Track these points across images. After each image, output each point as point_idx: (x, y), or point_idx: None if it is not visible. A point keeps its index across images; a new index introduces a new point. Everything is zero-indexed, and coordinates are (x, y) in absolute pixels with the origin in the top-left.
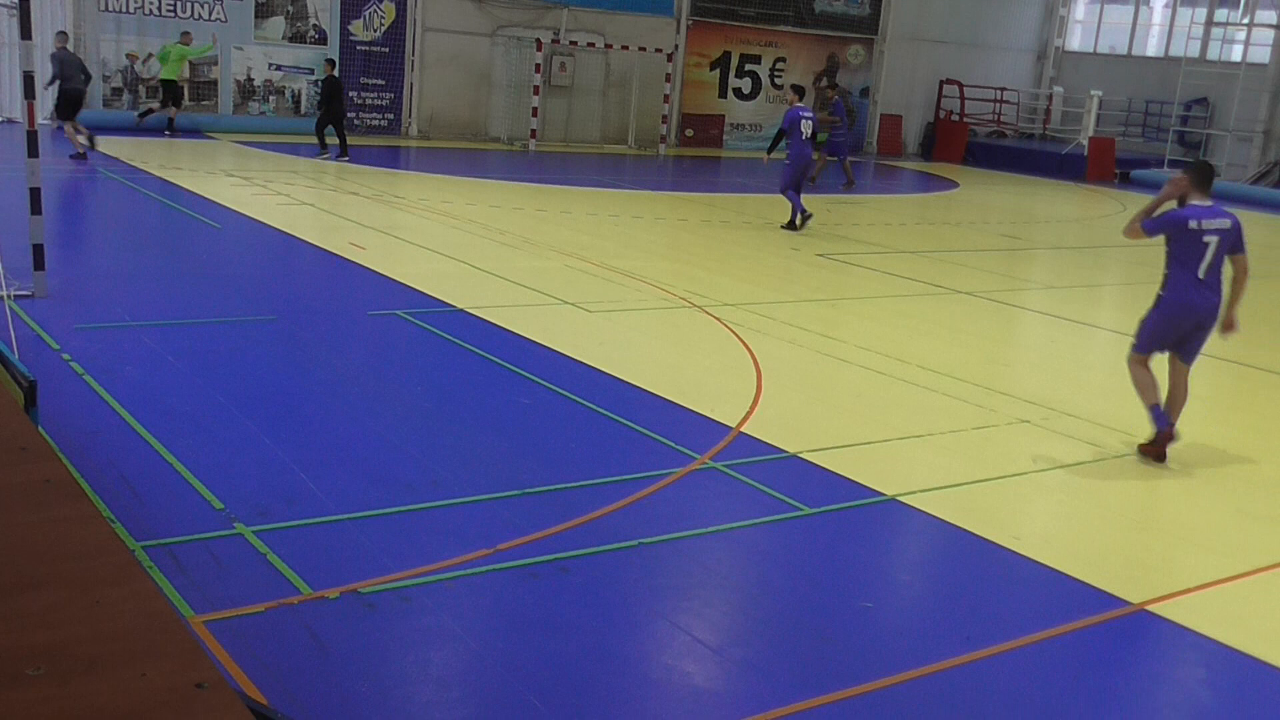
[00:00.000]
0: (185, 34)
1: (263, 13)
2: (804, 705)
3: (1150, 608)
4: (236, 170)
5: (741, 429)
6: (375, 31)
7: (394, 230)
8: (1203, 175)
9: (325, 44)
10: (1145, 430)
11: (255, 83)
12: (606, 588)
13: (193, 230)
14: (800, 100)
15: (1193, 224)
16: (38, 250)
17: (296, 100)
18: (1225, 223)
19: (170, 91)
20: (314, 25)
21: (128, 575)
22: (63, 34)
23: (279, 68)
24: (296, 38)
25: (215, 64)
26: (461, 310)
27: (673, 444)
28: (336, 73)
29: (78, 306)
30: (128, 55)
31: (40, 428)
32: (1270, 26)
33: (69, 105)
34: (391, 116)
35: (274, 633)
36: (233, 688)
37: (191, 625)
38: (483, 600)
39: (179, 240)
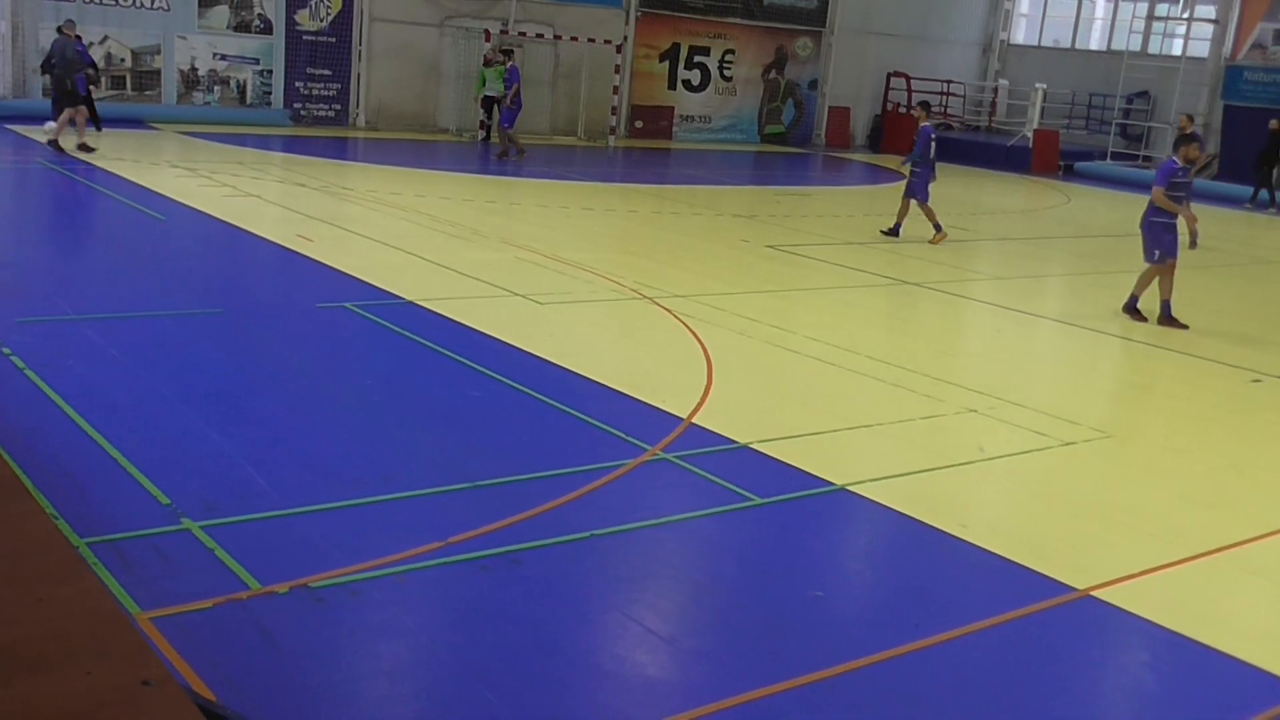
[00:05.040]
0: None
1: (206, 1)
2: (756, 694)
3: (1095, 593)
4: (181, 161)
5: (692, 420)
6: (322, 21)
7: (342, 222)
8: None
9: (270, 33)
10: (1089, 417)
11: (200, 73)
12: (558, 580)
13: (137, 222)
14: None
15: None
16: None
17: (242, 90)
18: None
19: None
20: (259, 14)
21: (72, 573)
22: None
23: (224, 57)
24: (241, 27)
25: (158, 53)
26: (411, 303)
27: (624, 435)
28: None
29: (18, 300)
30: None
31: None
32: (1209, 21)
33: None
34: (339, 107)
35: (222, 629)
36: (180, 685)
37: (138, 622)
38: (434, 594)
39: (122, 233)
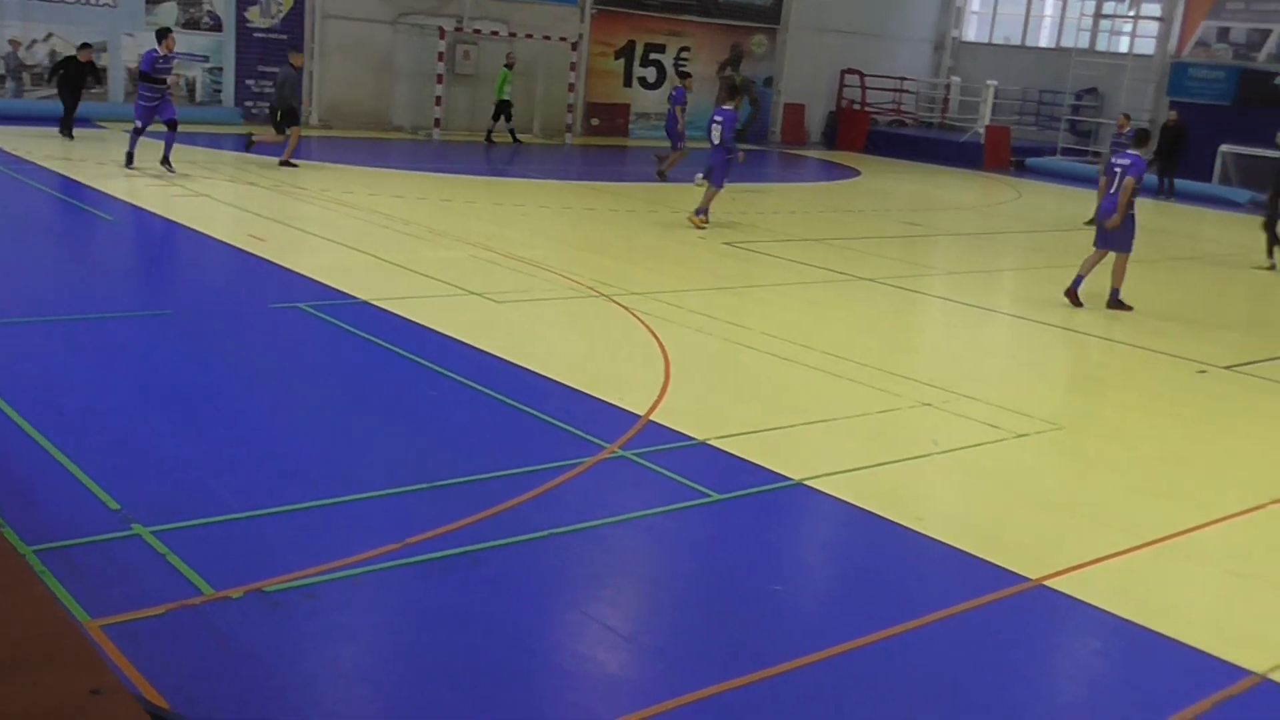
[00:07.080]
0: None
1: None
2: (716, 689)
3: (1048, 583)
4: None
5: (650, 417)
6: (273, 18)
7: (295, 222)
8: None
9: (220, 30)
10: (1041, 410)
11: None
12: (518, 579)
13: (84, 223)
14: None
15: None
16: None
17: (191, 89)
18: (1125, 161)
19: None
20: (208, 11)
21: (19, 581)
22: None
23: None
24: (190, 24)
25: (104, 50)
26: (366, 302)
27: (582, 433)
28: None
29: None
30: (10, 41)
31: None
32: (1155, 19)
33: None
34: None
35: (175, 635)
36: (131, 692)
37: (88, 631)
38: (392, 596)
39: (70, 234)
